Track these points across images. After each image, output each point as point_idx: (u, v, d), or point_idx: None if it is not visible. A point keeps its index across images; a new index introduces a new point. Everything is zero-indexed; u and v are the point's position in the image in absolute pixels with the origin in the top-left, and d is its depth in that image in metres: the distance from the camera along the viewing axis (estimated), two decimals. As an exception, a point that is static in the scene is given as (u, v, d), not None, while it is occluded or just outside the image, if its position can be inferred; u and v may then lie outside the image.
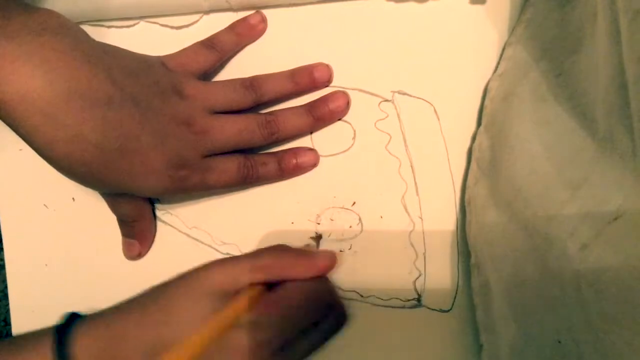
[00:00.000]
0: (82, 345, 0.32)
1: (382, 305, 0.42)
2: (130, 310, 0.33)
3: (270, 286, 0.34)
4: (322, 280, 0.35)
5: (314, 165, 0.42)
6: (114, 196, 0.41)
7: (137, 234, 0.43)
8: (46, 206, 0.46)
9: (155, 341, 0.31)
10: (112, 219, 0.43)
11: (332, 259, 0.35)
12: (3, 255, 0.47)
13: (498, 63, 0.39)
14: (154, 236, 0.45)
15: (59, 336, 0.32)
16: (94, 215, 0.45)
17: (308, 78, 0.41)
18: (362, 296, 0.42)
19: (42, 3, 0.40)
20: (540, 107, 0.34)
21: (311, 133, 0.42)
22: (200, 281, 0.33)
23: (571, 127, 0.31)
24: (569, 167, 0.31)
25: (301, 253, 0.36)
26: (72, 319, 0.33)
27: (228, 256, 0.40)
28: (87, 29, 0.41)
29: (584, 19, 0.32)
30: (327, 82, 0.41)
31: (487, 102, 0.39)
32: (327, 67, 0.41)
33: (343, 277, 0.41)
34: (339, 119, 0.42)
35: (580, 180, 0.29)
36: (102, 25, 0.42)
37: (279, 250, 0.36)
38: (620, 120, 0.27)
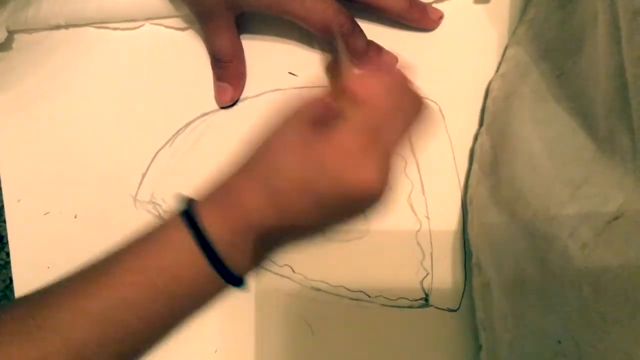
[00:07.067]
0: (211, 224, 0.29)
1: (390, 305, 0.42)
2: (241, 176, 0.30)
3: None
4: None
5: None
6: (214, 29, 0.40)
7: (231, 76, 0.42)
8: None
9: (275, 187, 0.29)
10: (112, 220, 0.43)
11: None
12: (3, 255, 0.46)
13: (500, 63, 0.40)
14: (245, 82, 0.43)
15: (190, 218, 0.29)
16: (95, 220, 0.44)
17: (420, 13, 0.40)
18: (369, 296, 0.42)
19: (49, 6, 0.41)
20: (540, 107, 0.34)
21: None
22: (292, 117, 0.30)
23: (571, 127, 0.31)
24: (569, 167, 0.31)
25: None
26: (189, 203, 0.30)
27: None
28: (92, 31, 0.42)
29: (585, 20, 0.32)
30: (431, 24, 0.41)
31: (488, 102, 0.39)
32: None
33: (350, 278, 0.42)
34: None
35: (580, 180, 0.29)
36: (107, 28, 0.42)
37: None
38: (620, 120, 0.27)
